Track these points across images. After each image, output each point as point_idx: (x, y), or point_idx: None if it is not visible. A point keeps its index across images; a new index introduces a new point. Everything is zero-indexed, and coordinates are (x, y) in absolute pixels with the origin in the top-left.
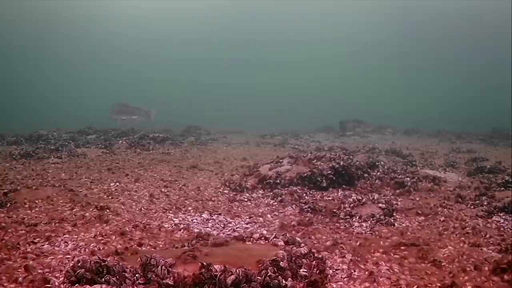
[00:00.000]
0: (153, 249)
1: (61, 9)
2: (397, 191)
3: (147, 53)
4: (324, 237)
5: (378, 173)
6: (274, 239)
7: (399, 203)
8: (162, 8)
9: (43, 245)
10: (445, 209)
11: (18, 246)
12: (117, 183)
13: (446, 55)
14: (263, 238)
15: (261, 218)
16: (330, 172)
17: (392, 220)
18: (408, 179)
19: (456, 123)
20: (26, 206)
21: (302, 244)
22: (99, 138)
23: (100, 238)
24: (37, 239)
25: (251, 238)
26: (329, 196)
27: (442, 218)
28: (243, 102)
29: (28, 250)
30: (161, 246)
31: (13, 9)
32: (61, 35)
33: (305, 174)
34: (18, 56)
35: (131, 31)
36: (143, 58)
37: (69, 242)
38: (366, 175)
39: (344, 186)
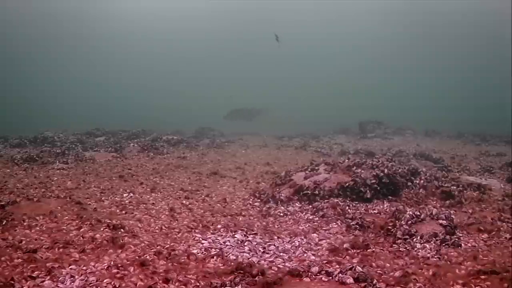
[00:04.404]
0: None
1: (67, 9)
2: (447, 202)
3: (154, 52)
4: (387, 264)
5: (422, 181)
6: (340, 274)
7: (453, 216)
8: (169, 7)
9: (43, 281)
10: (504, 223)
11: (12, 282)
12: (131, 194)
13: (451, 55)
14: (324, 272)
15: (304, 238)
16: (374, 181)
17: (457, 240)
18: (454, 187)
19: (474, 123)
20: (25, 224)
21: (375, 281)
22: (109, 141)
23: (115, 270)
24: (36, 272)
25: (309, 273)
26: (374, 209)
27: (507, 235)
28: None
29: None
30: (192, 282)
31: (17, 9)
32: (69, 35)
33: (346, 184)
34: (24, 56)
35: (139, 30)
36: (151, 57)
37: (76, 277)
38: (409, 183)
39: (389, 197)
